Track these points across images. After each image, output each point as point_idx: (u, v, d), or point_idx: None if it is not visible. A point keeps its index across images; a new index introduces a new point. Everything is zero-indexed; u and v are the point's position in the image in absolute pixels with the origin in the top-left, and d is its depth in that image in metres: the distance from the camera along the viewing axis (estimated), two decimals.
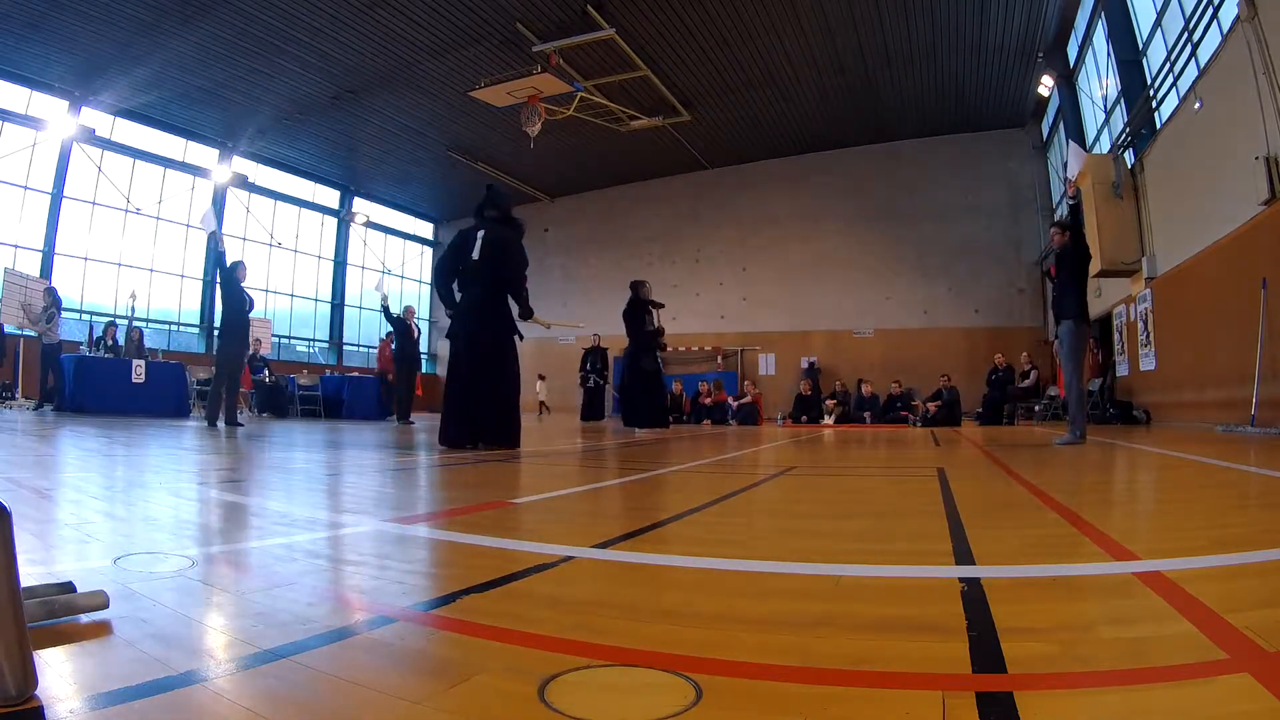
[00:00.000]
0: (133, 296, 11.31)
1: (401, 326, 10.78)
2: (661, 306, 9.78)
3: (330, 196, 19.08)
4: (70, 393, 9.05)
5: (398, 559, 1.42)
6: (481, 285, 4.89)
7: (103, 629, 0.88)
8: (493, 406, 4.73)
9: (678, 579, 1.31)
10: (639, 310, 9.22)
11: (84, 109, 13.15)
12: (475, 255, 4.87)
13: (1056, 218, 6.21)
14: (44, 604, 0.88)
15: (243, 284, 7.59)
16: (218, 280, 7.78)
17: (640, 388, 8.99)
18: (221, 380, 7.46)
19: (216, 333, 8.02)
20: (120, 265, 14.52)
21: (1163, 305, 9.60)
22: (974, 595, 1.09)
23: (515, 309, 5.08)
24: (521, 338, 5.03)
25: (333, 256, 19.28)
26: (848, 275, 17.06)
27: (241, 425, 7.34)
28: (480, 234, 4.91)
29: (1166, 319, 9.50)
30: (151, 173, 15.00)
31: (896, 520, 2.10)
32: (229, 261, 7.54)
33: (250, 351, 12.12)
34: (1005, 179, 15.96)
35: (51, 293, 10.53)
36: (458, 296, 5.02)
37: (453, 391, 4.83)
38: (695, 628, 0.96)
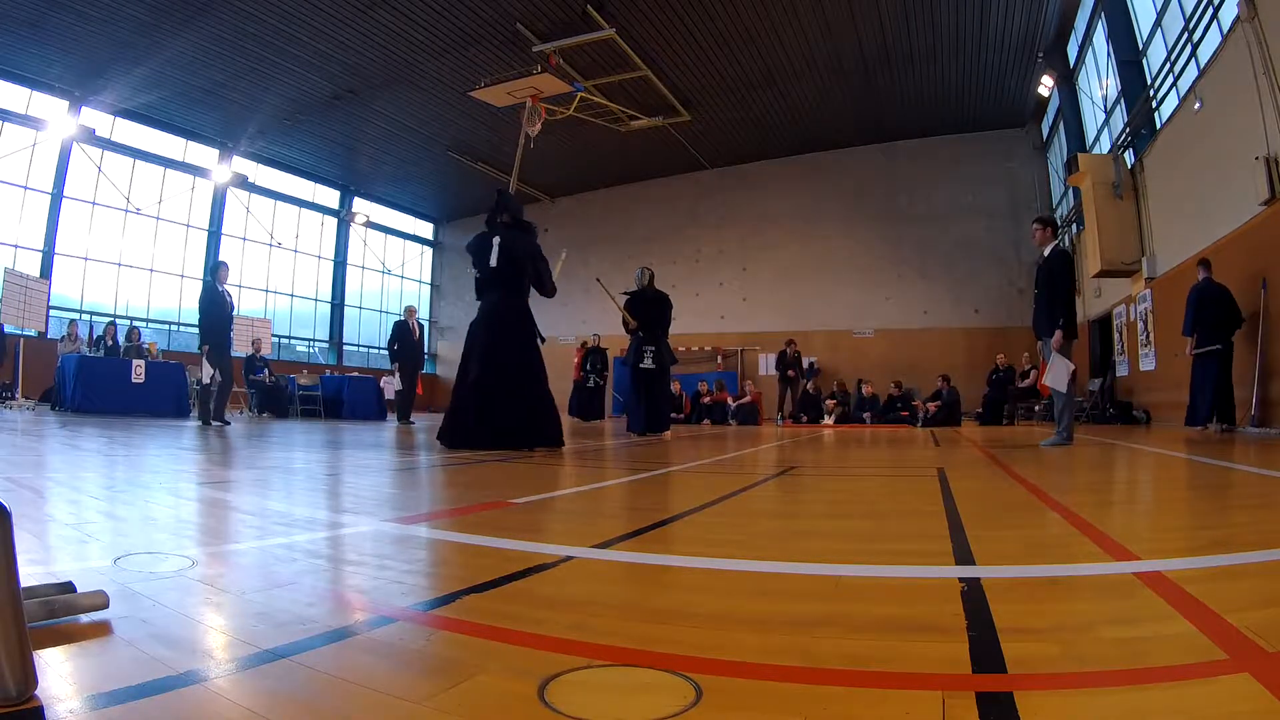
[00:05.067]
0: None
1: (402, 327, 10.77)
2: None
3: (330, 196, 19.07)
4: (70, 393, 9.04)
5: (398, 559, 1.42)
6: (500, 292, 4.92)
7: (103, 629, 0.88)
8: (535, 411, 4.73)
9: (678, 579, 1.31)
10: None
11: (84, 109, 13.13)
12: (493, 263, 4.89)
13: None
14: (44, 604, 0.88)
15: (223, 286, 7.65)
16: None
17: (663, 386, 7.98)
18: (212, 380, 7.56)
19: (198, 332, 8.11)
20: (120, 265, 14.52)
21: (1163, 305, 9.59)
22: (974, 595, 1.09)
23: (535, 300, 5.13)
24: (544, 340, 5.06)
25: (333, 256, 19.26)
26: (848, 275, 17.03)
27: (228, 424, 7.37)
28: (496, 240, 4.93)
29: (1167, 319, 9.49)
30: (151, 173, 14.98)
31: (897, 520, 2.10)
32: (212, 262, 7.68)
33: (253, 351, 12.18)
34: (1005, 179, 15.94)
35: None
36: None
37: (459, 393, 4.84)
38: (695, 628, 0.96)
